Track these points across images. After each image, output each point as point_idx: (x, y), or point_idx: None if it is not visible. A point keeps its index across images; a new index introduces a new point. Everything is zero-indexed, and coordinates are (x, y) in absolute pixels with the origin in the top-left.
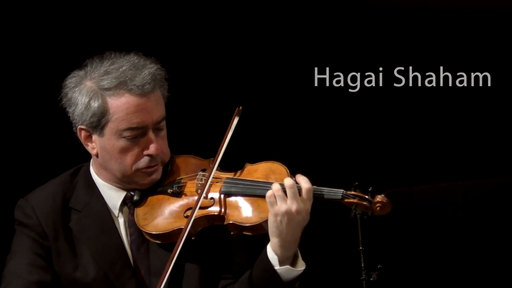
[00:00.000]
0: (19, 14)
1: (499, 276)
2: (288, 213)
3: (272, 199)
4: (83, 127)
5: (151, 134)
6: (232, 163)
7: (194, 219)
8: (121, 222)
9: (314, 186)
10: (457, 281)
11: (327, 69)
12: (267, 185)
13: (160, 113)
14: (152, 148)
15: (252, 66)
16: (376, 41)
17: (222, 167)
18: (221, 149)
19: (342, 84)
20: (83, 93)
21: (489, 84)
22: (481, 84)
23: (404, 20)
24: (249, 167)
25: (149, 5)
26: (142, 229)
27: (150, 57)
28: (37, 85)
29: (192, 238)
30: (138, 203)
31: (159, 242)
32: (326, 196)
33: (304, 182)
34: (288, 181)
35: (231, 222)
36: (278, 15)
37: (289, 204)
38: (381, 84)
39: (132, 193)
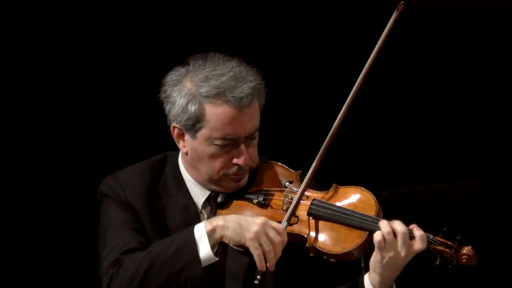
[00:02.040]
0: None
1: (499, 276)
2: (396, 258)
3: (382, 243)
4: (177, 125)
5: (242, 146)
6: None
7: None
8: (205, 218)
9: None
10: (457, 281)
11: (326, 69)
12: (361, 217)
13: (254, 125)
14: (241, 159)
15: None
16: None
17: (310, 184)
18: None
19: (341, 84)
20: (182, 94)
21: (489, 84)
22: (481, 84)
23: (404, 20)
24: (337, 190)
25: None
26: None
27: (252, 67)
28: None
29: None
30: (222, 205)
31: (238, 249)
32: None
33: (417, 229)
34: (400, 227)
35: (313, 245)
36: (278, 16)
37: (399, 250)
38: (381, 84)
39: (216, 193)
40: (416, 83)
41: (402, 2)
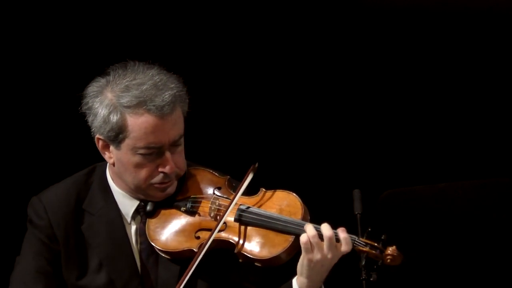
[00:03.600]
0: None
1: (499, 276)
2: (323, 261)
3: (308, 245)
4: (101, 137)
5: (167, 153)
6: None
7: (204, 242)
8: (132, 230)
9: None
10: (457, 281)
11: (326, 69)
12: (286, 221)
13: (178, 132)
14: (167, 167)
15: (251, 67)
16: (375, 41)
17: (236, 189)
18: (235, 197)
19: (341, 84)
20: (103, 105)
21: (489, 84)
22: (481, 84)
23: (404, 20)
24: (264, 195)
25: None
26: (152, 242)
27: (172, 73)
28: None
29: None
30: (151, 214)
31: (167, 257)
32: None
33: (341, 232)
34: (327, 231)
35: (240, 252)
36: (277, 16)
37: (326, 253)
38: (380, 84)
39: (145, 202)
40: (416, 83)
41: (257, 164)
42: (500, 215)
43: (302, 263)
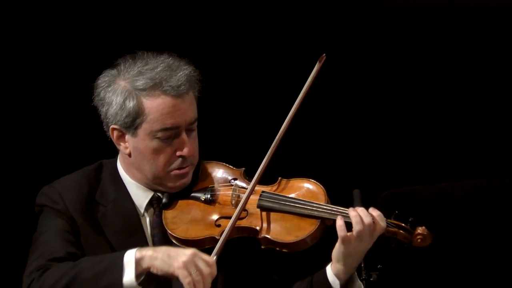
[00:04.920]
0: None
1: (499, 276)
2: (359, 246)
3: (345, 232)
4: (116, 127)
5: (184, 135)
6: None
7: (228, 225)
8: (146, 221)
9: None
10: (457, 281)
11: (326, 69)
12: (312, 205)
13: (193, 114)
14: (185, 150)
15: (251, 66)
16: (375, 41)
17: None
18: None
19: (341, 84)
20: (117, 92)
21: (489, 84)
22: (481, 84)
23: (404, 20)
24: (284, 182)
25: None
26: (170, 232)
27: (184, 58)
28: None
29: None
30: (167, 206)
31: (186, 247)
32: None
33: (372, 210)
34: (365, 214)
35: (264, 236)
36: (277, 15)
37: (366, 232)
38: (380, 84)
39: (160, 194)
40: (416, 83)
41: (324, 54)
42: (500, 215)
43: (338, 250)
